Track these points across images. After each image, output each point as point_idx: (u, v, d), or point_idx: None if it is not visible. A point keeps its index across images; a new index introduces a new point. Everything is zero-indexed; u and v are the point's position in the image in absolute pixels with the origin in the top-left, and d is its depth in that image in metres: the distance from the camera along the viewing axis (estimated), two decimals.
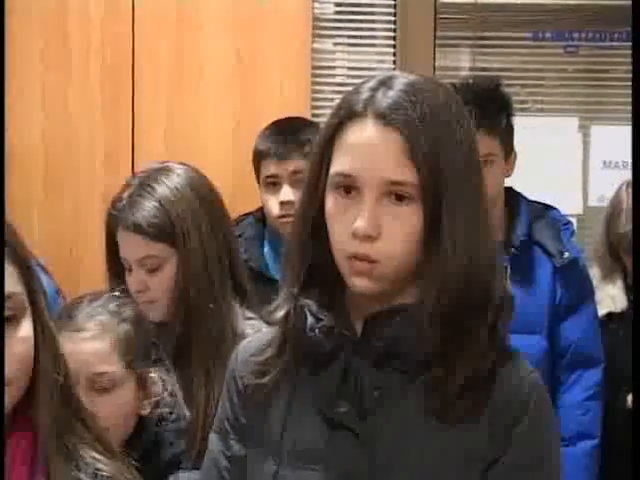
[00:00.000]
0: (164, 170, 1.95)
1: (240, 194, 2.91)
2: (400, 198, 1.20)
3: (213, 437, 1.37)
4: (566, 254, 2.48)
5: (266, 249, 2.58)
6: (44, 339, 1.12)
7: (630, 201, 2.81)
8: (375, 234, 1.20)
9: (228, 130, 3.02)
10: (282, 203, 2.49)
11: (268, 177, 2.53)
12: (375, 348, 1.24)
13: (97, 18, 2.99)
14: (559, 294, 2.50)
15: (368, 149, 1.20)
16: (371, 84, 1.24)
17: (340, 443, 1.23)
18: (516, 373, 1.24)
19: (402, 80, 1.23)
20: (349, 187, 1.21)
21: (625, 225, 2.79)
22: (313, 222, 1.26)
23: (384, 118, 1.20)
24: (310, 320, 1.25)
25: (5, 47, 2.65)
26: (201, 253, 1.90)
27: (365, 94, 1.23)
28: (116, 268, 1.96)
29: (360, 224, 1.19)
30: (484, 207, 1.25)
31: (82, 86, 3.00)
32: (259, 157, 2.56)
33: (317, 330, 1.25)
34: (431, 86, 1.24)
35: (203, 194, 1.96)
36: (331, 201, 1.23)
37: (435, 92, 1.23)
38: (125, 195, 1.92)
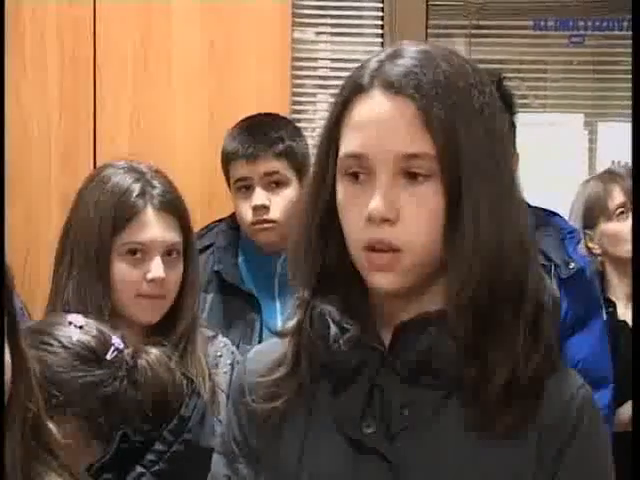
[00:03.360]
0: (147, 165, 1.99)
1: (214, 198, 2.87)
2: (416, 176, 1.15)
3: (217, 459, 1.32)
4: (572, 264, 2.45)
5: (240, 259, 2.55)
6: (20, 366, 1.12)
7: (619, 194, 2.83)
8: (393, 216, 1.15)
9: (200, 128, 2.99)
10: (255, 208, 2.46)
11: (238, 180, 2.51)
12: (406, 361, 1.19)
13: (53, 0, 2.94)
14: (565, 308, 2.47)
15: (377, 123, 1.16)
16: (379, 57, 1.20)
17: (367, 468, 1.19)
18: (566, 386, 1.20)
19: (412, 49, 1.20)
20: (359, 170, 1.17)
21: (613, 222, 2.81)
22: (324, 215, 1.22)
23: (393, 87, 1.16)
24: (334, 330, 1.20)
25: (5, 47, 2.63)
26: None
27: (372, 67, 1.19)
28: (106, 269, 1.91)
29: (375, 206, 1.14)
30: (512, 181, 1.21)
31: (37, 76, 2.95)
32: (227, 159, 2.54)
33: (342, 342, 1.20)
34: (444, 52, 1.21)
35: None
36: (342, 188, 1.19)
37: (449, 58, 1.20)
38: (130, 181, 1.91)
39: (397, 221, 1.15)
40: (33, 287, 2.82)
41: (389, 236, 1.15)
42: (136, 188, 1.91)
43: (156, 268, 1.89)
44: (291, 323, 1.25)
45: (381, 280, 1.17)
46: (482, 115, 1.18)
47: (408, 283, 1.18)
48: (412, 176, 1.16)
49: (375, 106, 1.16)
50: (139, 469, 1.59)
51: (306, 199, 1.25)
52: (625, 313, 2.81)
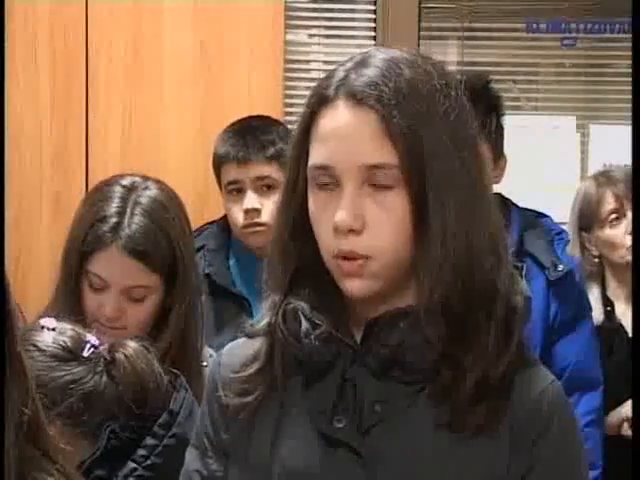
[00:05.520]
0: (149, 187, 1.94)
1: (205, 200, 2.88)
2: (382, 185, 1.18)
3: (191, 452, 1.35)
4: (560, 266, 2.46)
5: (232, 262, 2.56)
6: (14, 371, 1.09)
7: (611, 199, 2.83)
8: (358, 226, 1.18)
9: (191, 129, 2.99)
10: (246, 211, 2.47)
11: (229, 183, 2.52)
12: (377, 356, 1.21)
13: (45, 2, 2.95)
14: (553, 310, 2.48)
15: (341, 134, 1.19)
16: (347, 66, 1.22)
17: (338, 462, 1.20)
18: (537, 383, 1.23)
19: (380, 57, 1.22)
20: (327, 181, 1.20)
21: (606, 229, 2.81)
22: (296, 222, 1.25)
23: (355, 98, 1.18)
24: (305, 325, 1.23)
25: (5, 47, 2.62)
26: (196, 284, 1.95)
27: (338, 77, 1.21)
28: (75, 285, 1.91)
29: (340, 217, 1.17)
30: (481, 185, 1.23)
31: (28, 78, 2.95)
32: (218, 162, 2.55)
33: (313, 337, 1.22)
34: (411, 58, 1.22)
35: (187, 216, 1.97)
36: (312, 197, 1.22)
37: (414, 63, 1.21)
38: (113, 211, 1.88)
39: (363, 230, 1.18)
40: (25, 288, 2.83)
41: (356, 245, 1.18)
42: (110, 223, 1.86)
43: (110, 306, 1.86)
44: (262, 323, 1.28)
45: (351, 286, 1.20)
46: (447, 120, 1.19)
47: (378, 287, 1.21)
48: (378, 185, 1.18)
49: (339, 117, 1.19)
50: (131, 464, 1.59)
51: (279, 206, 1.28)
52: (625, 312, 2.82)
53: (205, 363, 1.97)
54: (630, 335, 2.74)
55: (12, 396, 1.09)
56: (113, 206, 1.89)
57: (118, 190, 1.92)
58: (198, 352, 1.95)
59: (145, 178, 1.97)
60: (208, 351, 2.02)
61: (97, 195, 1.95)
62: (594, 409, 2.52)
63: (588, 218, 2.88)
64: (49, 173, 2.96)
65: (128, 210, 1.88)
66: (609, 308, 2.84)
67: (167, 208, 1.92)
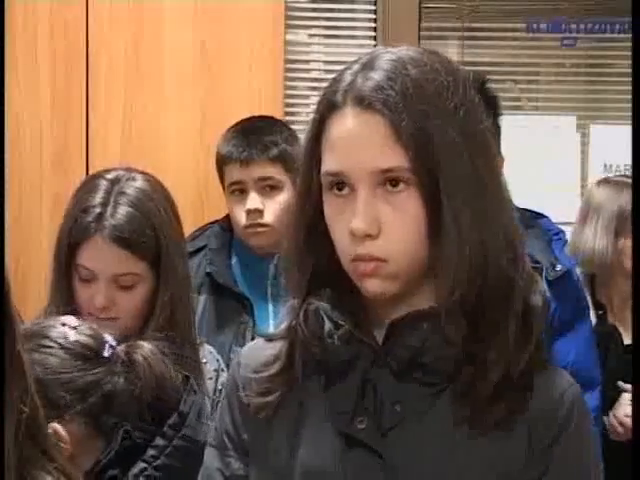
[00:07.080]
0: (134, 178, 1.95)
1: (206, 199, 2.89)
2: (396, 183, 1.19)
3: (210, 451, 1.35)
4: (559, 267, 2.47)
5: (233, 261, 2.57)
6: (13, 369, 1.10)
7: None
8: (375, 231, 1.19)
9: (192, 129, 3.00)
10: (249, 212, 2.48)
11: (232, 184, 2.53)
12: (398, 357, 1.22)
13: (45, 2, 2.96)
14: (552, 310, 2.49)
15: (351, 140, 1.20)
16: (354, 68, 1.23)
17: (358, 462, 1.21)
18: (556, 384, 1.24)
19: (386, 57, 1.22)
20: (341, 186, 1.21)
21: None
22: (312, 226, 1.26)
23: (362, 103, 1.19)
24: (328, 325, 1.23)
25: (5, 47, 2.63)
26: (183, 273, 1.95)
27: (346, 81, 1.22)
28: (67, 280, 1.93)
29: (357, 224, 1.18)
30: (493, 180, 1.22)
31: (28, 78, 2.96)
32: (221, 162, 2.56)
33: (336, 337, 1.23)
34: (417, 57, 1.22)
35: (175, 207, 1.99)
36: (328, 202, 1.23)
37: (421, 62, 1.21)
38: (96, 202, 1.90)
39: (379, 234, 1.19)
40: (25, 288, 2.84)
41: (372, 250, 1.19)
42: (93, 213, 1.88)
43: (99, 295, 1.88)
44: (283, 325, 1.29)
45: (371, 286, 1.21)
46: (456, 116, 1.19)
47: (395, 288, 1.22)
48: (392, 184, 1.19)
49: (348, 124, 1.20)
50: (141, 464, 1.62)
51: (293, 212, 1.29)
52: (623, 308, 2.84)
53: (205, 360, 1.99)
54: (624, 340, 2.77)
55: (13, 394, 1.09)
56: (97, 197, 1.91)
57: (102, 183, 1.94)
58: (193, 345, 1.95)
59: (130, 170, 1.99)
60: (207, 348, 2.04)
61: (83, 189, 1.97)
62: (593, 408, 2.52)
63: (627, 225, 2.87)
64: (49, 173, 2.97)
65: (112, 200, 1.90)
66: (601, 312, 2.85)
67: (151, 197, 1.93)
